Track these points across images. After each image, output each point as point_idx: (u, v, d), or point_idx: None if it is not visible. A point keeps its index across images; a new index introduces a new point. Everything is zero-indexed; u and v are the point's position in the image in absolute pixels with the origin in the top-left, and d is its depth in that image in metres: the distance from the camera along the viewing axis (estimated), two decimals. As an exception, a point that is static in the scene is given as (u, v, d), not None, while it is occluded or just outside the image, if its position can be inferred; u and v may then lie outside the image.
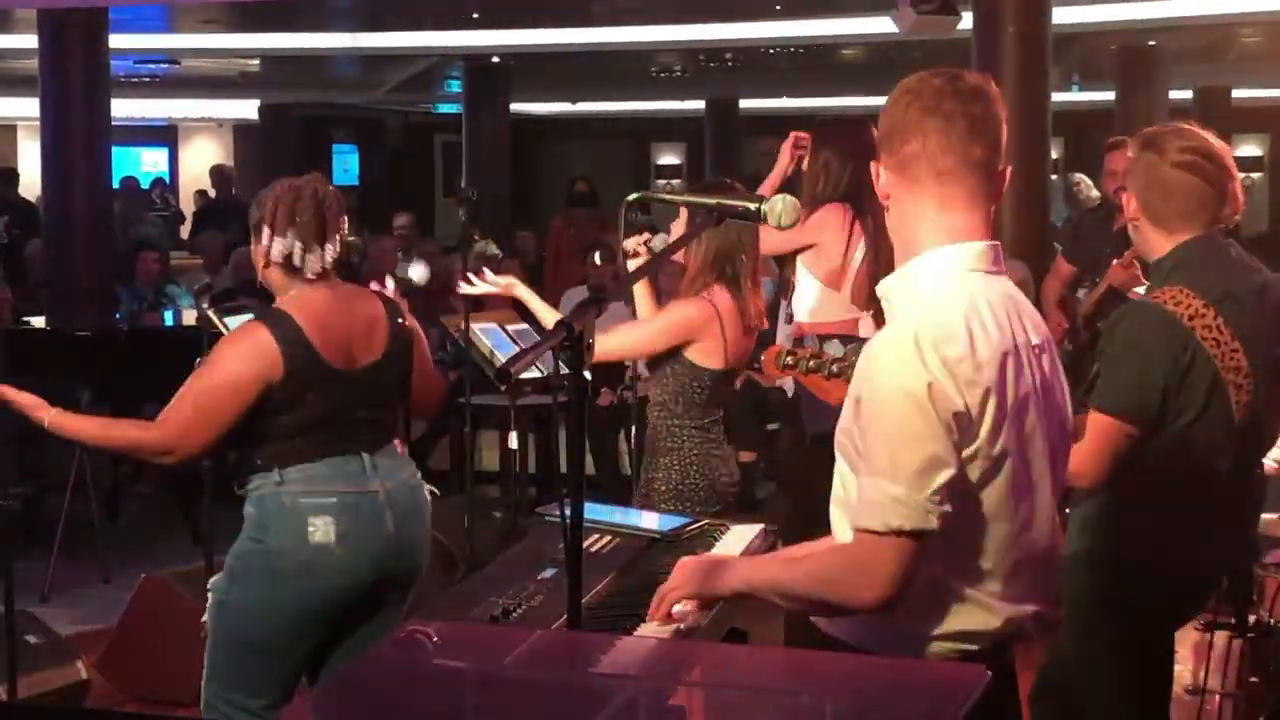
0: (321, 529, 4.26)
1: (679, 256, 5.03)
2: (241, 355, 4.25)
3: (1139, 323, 3.96)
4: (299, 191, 4.33)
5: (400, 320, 4.50)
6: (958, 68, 2.88)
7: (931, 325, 2.67)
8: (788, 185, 5.98)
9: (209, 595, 4.40)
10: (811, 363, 3.82)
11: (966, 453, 2.64)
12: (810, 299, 5.93)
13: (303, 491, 4.28)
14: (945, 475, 2.61)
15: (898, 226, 2.88)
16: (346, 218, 4.44)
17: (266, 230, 4.31)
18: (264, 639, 4.32)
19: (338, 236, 4.36)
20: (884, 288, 2.88)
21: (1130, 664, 4.03)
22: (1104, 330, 4.07)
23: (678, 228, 5.13)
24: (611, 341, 4.96)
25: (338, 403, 4.30)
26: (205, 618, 4.41)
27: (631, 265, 5.12)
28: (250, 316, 4.45)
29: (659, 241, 5.09)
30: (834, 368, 3.76)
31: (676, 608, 3.02)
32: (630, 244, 5.10)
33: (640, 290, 5.31)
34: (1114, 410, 3.85)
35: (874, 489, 2.63)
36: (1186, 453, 3.88)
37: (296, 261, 4.30)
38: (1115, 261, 6.62)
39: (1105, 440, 3.85)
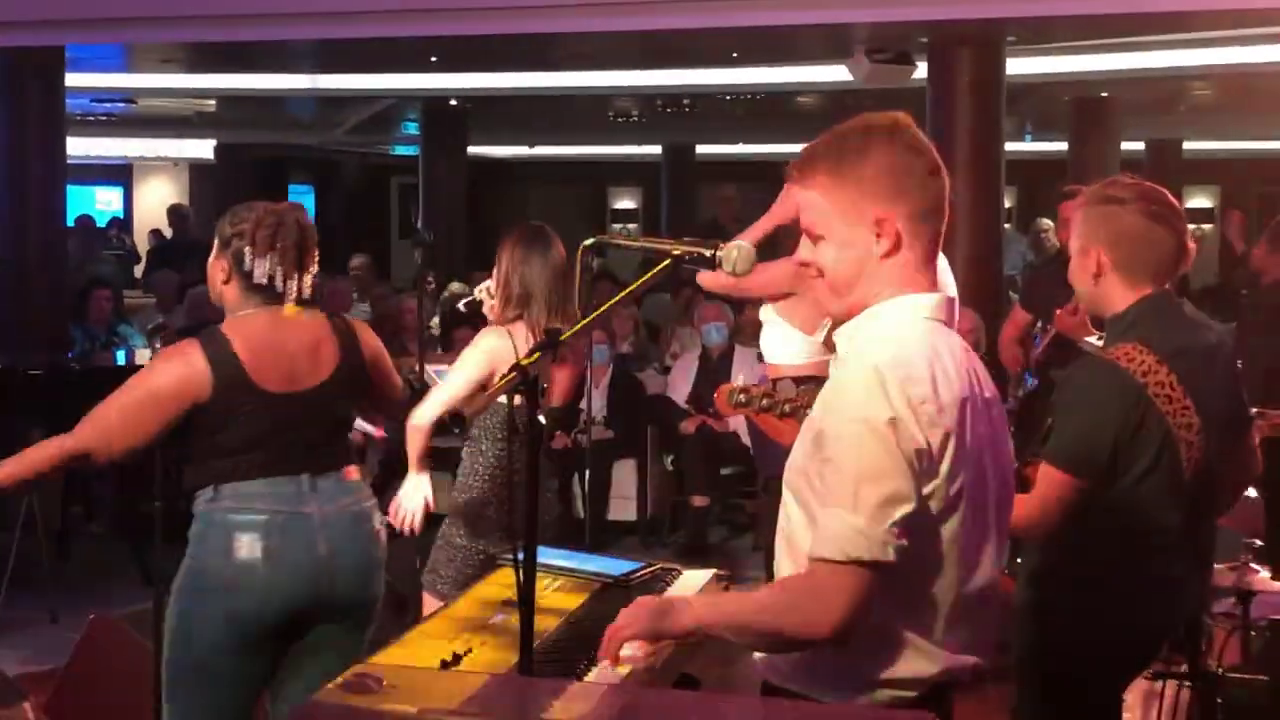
0: (247, 545, 4.26)
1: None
2: (169, 370, 4.31)
3: (1092, 378, 3.98)
4: (281, 216, 4.40)
5: (354, 342, 4.51)
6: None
7: (897, 365, 2.68)
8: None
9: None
10: (764, 401, 3.83)
11: (925, 490, 2.66)
12: (781, 342, 5.94)
13: (233, 508, 4.29)
14: (905, 509, 2.63)
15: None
16: (317, 252, 4.50)
17: (248, 250, 4.35)
18: (203, 659, 4.30)
19: (314, 267, 4.46)
20: (843, 333, 2.89)
21: (1077, 717, 4.03)
22: (1058, 383, 4.08)
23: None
24: (429, 408, 5.28)
25: (273, 424, 4.32)
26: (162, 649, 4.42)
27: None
28: None
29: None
30: (786, 407, 3.78)
31: (626, 649, 3.00)
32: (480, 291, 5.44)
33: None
34: (1063, 464, 3.87)
35: (835, 520, 2.64)
36: (1135, 508, 3.89)
37: (279, 286, 4.36)
38: (1059, 310, 6.64)
39: (1054, 492, 3.86)
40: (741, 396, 3.85)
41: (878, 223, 2.79)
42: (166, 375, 4.30)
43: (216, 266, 4.44)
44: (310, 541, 4.32)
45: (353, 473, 4.51)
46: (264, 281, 4.36)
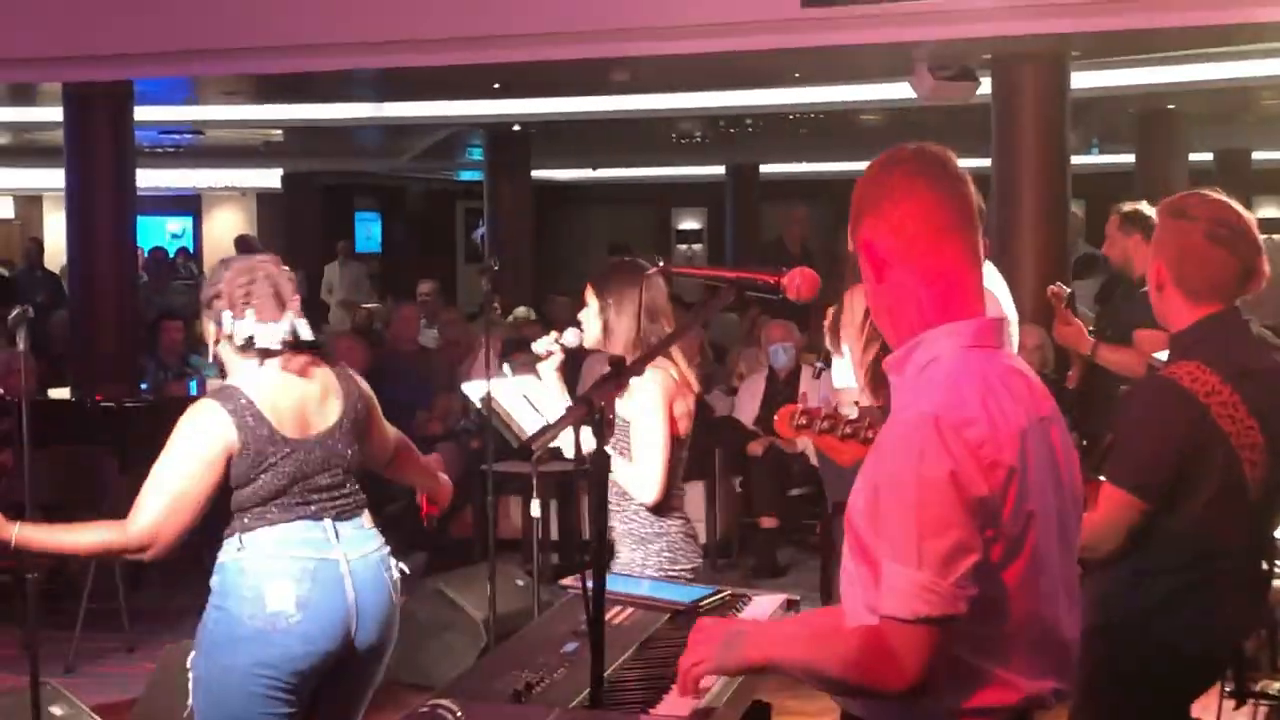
0: (279, 594, 4.27)
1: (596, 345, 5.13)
2: (200, 433, 4.27)
3: (1155, 397, 3.96)
4: (253, 272, 4.39)
5: (356, 391, 4.55)
6: (920, 142, 2.89)
7: (951, 409, 2.64)
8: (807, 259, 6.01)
9: (189, 675, 4.42)
10: (825, 424, 3.81)
11: (989, 534, 2.62)
12: (843, 370, 5.96)
13: (263, 556, 4.31)
14: (971, 560, 2.59)
15: (889, 299, 2.86)
16: (299, 296, 4.48)
17: (228, 313, 4.36)
18: (237, 711, 4.30)
19: (291, 314, 4.40)
20: (890, 364, 2.88)
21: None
22: (1119, 401, 4.07)
23: (587, 318, 5.12)
24: (640, 478, 4.93)
25: (295, 471, 4.35)
26: (189, 699, 4.42)
27: (545, 368, 5.23)
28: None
29: (570, 336, 5.14)
30: (847, 429, 3.76)
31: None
32: (541, 345, 5.17)
33: (555, 380, 5.30)
34: (1126, 485, 3.87)
35: (900, 576, 2.60)
36: (1203, 531, 3.88)
37: (258, 341, 4.35)
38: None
39: (1118, 513, 3.87)
40: (803, 419, 3.83)
41: None
42: (199, 440, 4.27)
43: (206, 327, 4.48)
44: (339, 588, 4.36)
45: (370, 520, 4.56)
46: (243, 343, 4.36)
